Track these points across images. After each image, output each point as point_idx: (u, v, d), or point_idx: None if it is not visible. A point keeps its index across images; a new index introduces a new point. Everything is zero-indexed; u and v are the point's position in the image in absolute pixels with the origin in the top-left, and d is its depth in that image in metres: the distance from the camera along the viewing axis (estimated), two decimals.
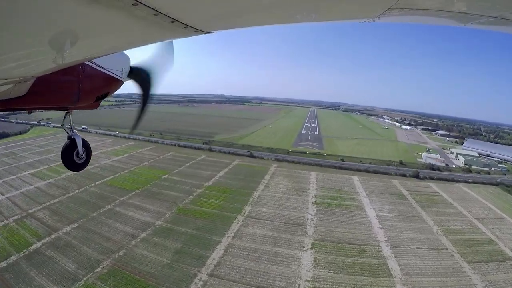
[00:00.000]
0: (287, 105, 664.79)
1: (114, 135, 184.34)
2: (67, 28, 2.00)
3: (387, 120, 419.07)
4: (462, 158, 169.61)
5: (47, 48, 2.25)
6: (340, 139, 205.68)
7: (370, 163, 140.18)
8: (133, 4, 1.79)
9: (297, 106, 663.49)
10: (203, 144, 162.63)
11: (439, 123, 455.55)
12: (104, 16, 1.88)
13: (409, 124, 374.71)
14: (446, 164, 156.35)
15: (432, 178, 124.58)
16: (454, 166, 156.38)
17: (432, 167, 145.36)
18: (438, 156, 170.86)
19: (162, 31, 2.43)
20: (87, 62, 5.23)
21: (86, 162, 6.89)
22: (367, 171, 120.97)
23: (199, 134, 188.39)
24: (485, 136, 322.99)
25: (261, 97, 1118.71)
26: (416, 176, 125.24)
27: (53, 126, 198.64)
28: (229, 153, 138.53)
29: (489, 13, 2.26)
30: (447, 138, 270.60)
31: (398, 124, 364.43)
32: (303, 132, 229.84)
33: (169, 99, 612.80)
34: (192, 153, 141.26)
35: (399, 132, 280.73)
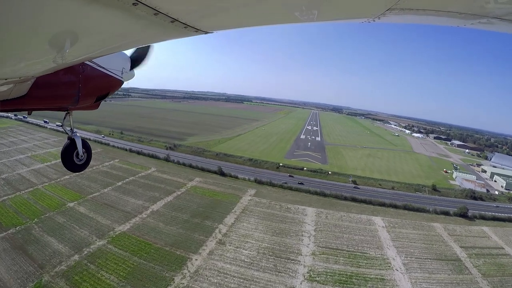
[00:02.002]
0: (289, 106, 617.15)
1: (66, 133, 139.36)
2: (67, 28, 1.93)
3: (395, 126, 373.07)
4: (502, 180, 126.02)
5: (47, 48, 2.15)
6: (347, 147, 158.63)
7: (393, 188, 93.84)
8: (133, 4, 1.71)
9: (298, 107, 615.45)
10: (166, 149, 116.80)
11: (448, 131, 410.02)
12: (104, 16, 1.81)
13: (419, 132, 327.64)
14: (487, 190, 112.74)
15: (483, 218, 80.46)
16: (496, 192, 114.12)
17: (473, 195, 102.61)
18: (474, 177, 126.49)
19: (162, 31, 2.32)
20: (87, 62, 4.97)
21: (86, 163, 6.53)
22: (394, 206, 74.28)
23: (170, 135, 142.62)
24: (501, 148, 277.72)
25: (263, 97, 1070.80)
26: (464, 215, 79.96)
27: (17, 121, 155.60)
28: (190, 166, 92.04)
29: (489, 14, 2.16)
30: (467, 151, 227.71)
31: (407, 131, 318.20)
32: (302, 137, 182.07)
33: (165, 95, 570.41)
34: (141, 163, 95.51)
35: (412, 141, 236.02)
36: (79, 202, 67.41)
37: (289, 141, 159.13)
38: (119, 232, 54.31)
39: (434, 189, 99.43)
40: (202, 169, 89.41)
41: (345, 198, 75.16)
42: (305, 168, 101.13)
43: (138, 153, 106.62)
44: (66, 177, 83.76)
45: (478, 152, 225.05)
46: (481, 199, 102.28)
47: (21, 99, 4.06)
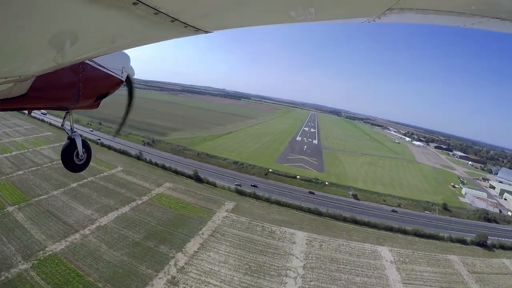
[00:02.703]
0: (287, 106, 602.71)
1: (42, 120, 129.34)
2: (67, 27, 1.93)
3: (394, 133, 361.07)
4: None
5: (47, 47, 2.15)
6: (347, 153, 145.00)
7: (399, 205, 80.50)
8: (133, 3, 1.71)
9: (297, 107, 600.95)
10: (143, 144, 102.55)
11: (448, 141, 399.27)
12: (104, 15, 1.80)
13: (419, 140, 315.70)
14: (499, 211, 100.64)
15: (503, 247, 68.91)
16: (509, 213, 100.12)
17: (486, 216, 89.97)
18: (485, 195, 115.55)
19: (162, 31, 2.32)
20: (87, 61, 4.95)
21: (86, 163, 6.28)
22: (403, 231, 60.77)
23: (152, 129, 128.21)
24: (502, 162, 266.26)
25: (262, 95, 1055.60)
26: (484, 243, 68.07)
27: None
28: (163, 167, 77.63)
29: (489, 14, 2.15)
30: (469, 162, 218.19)
31: (407, 139, 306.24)
32: (298, 138, 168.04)
33: (164, 87, 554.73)
34: (109, 160, 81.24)
35: (413, 149, 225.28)
36: (20, 207, 54.48)
37: (283, 142, 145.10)
38: (50, 253, 40.93)
39: (445, 208, 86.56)
40: (176, 172, 75.06)
41: (345, 219, 61.20)
42: (298, 177, 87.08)
43: (109, 148, 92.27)
44: (20, 172, 71.10)
45: (482, 165, 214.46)
46: (495, 221, 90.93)
47: (21, 98, 3.96)
